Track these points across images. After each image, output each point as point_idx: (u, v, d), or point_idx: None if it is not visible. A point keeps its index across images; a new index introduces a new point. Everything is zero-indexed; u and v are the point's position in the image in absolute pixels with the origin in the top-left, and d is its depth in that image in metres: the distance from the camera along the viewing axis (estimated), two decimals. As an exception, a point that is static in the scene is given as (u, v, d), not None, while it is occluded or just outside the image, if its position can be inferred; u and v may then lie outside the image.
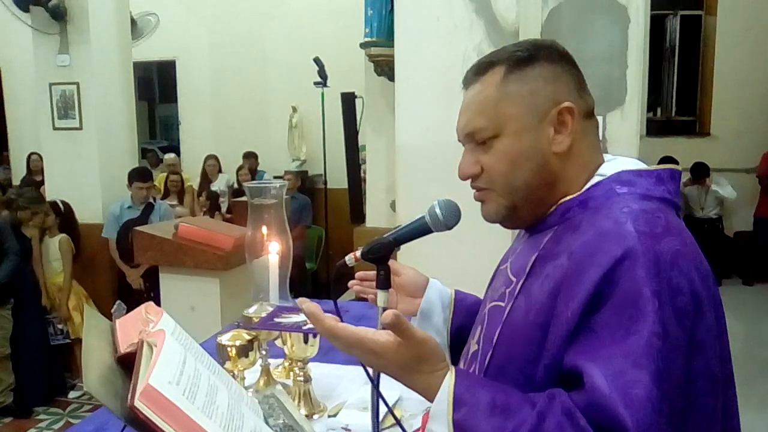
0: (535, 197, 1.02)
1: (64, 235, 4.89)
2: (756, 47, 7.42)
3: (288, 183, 2.64)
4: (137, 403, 0.74)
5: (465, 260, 2.54)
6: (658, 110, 8.49)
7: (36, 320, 4.76)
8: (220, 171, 7.62)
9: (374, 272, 1.09)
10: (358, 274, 1.34)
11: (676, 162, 6.87)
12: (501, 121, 1.00)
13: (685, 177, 7.13)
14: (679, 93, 8.30)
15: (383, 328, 0.87)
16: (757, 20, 7.39)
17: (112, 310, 1.08)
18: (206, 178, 7.51)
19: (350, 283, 1.35)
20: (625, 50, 3.06)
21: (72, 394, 4.91)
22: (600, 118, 2.89)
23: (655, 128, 8.12)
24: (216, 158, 7.57)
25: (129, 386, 0.79)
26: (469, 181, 1.06)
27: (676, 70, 8.23)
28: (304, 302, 0.93)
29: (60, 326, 4.88)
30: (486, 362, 1.01)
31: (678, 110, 8.39)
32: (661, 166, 1.01)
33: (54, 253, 4.87)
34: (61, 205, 4.95)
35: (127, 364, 0.87)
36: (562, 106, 0.99)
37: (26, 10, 5.01)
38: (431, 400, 0.88)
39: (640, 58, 3.08)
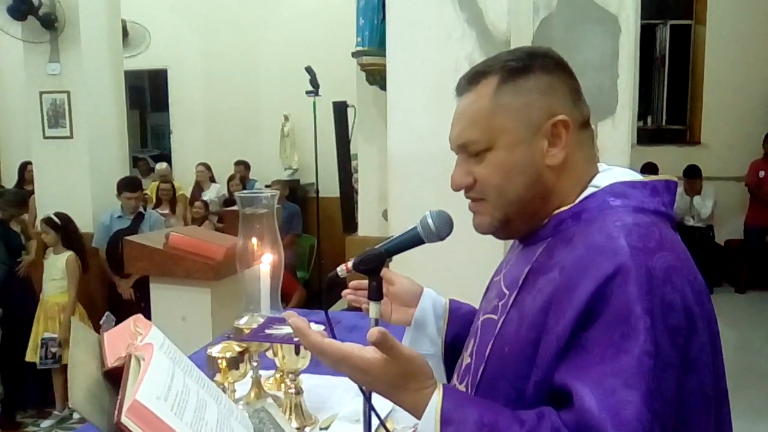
0: (528, 210, 1.01)
1: (71, 253, 4.57)
2: (745, 56, 7.47)
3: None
4: (124, 420, 0.73)
5: (457, 270, 2.53)
6: (649, 119, 8.53)
7: (27, 331, 4.63)
8: (212, 180, 7.60)
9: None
10: (353, 283, 1.33)
11: (656, 168, 6.91)
12: (494, 134, 0.99)
13: (680, 187, 7.15)
14: (669, 102, 8.35)
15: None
16: (746, 29, 7.45)
17: (101, 322, 1.07)
18: (198, 186, 7.51)
19: (344, 292, 1.34)
20: (616, 59, 3.07)
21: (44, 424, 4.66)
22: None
23: (645, 137, 8.15)
24: (205, 165, 7.57)
25: (116, 402, 0.77)
26: (461, 191, 1.05)
27: (666, 79, 8.27)
28: (291, 316, 0.92)
29: (53, 350, 4.51)
30: (478, 376, 1.00)
31: (668, 119, 8.43)
32: (657, 177, 1.00)
33: (58, 271, 4.55)
34: (57, 219, 4.61)
35: (115, 378, 0.86)
36: (556, 119, 0.97)
37: (23, 18, 4.98)
38: (419, 418, 0.87)
39: (631, 67, 3.10)
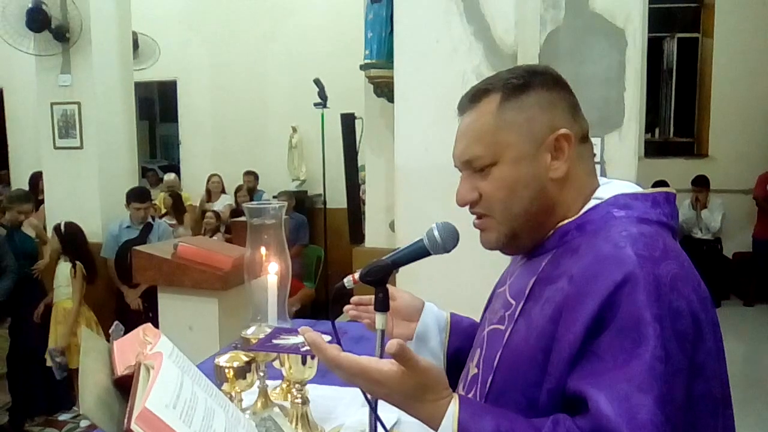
0: (533, 223, 1.03)
1: (77, 263, 4.64)
2: (752, 69, 7.47)
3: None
4: (134, 427, 0.74)
5: (463, 282, 2.54)
6: (656, 131, 8.53)
7: (36, 339, 4.66)
8: (223, 191, 7.65)
9: (369, 296, 1.09)
10: (353, 298, 1.34)
11: (667, 185, 6.90)
12: (498, 149, 1.01)
13: (687, 199, 7.16)
14: (676, 114, 8.35)
15: (382, 354, 0.87)
16: (753, 43, 7.45)
17: (110, 331, 1.08)
18: (208, 197, 7.56)
19: (346, 307, 1.35)
20: (623, 72, 3.07)
21: (63, 416, 4.76)
22: (598, 140, 2.89)
23: (653, 149, 8.15)
24: (219, 176, 7.64)
25: (126, 409, 0.78)
26: (467, 206, 1.07)
27: (673, 92, 8.28)
28: (306, 331, 0.93)
29: (58, 360, 4.55)
30: (487, 386, 1.01)
31: (676, 131, 8.42)
32: (657, 190, 1.02)
33: (64, 278, 4.65)
34: (63, 229, 4.69)
35: (125, 386, 0.87)
36: (558, 133, 1.00)
37: (39, 30, 5.04)
38: (435, 429, 0.88)
39: (638, 81, 3.10)
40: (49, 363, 4.61)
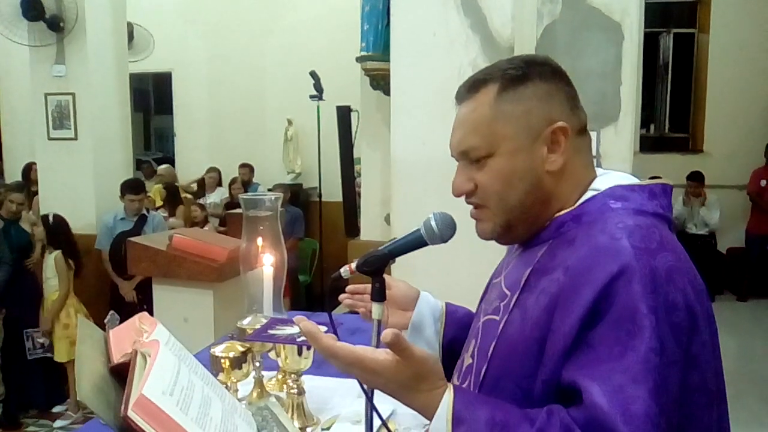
0: (529, 215, 1.02)
1: (58, 252, 4.65)
2: (748, 65, 7.49)
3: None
4: (130, 413, 0.74)
5: (459, 273, 2.54)
6: (652, 127, 8.54)
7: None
8: (219, 184, 7.64)
9: (365, 285, 1.09)
10: (349, 287, 1.34)
11: (662, 180, 6.91)
12: (495, 141, 1.00)
13: (681, 194, 7.19)
14: (672, 110, 8.36)
15: (378, 343, 0.87)
16: (749, 38, 7.47)
17: (105, 321, 1.08)
18: (201, 189, 7.55)
19: (341, 296, 1.35)
20: (619, 67, 3.08)
21: (56, 409, 4.80)
22: (594, 134, 2.89)
23: (648, 144, 8.16)
24: (218, 171, 7.62)
25: (122, 396, 0.78)
26: (463, 196, 1.07)
27: (669, 87, 8.29)
28: (301, 320, 0.92)
29: (40, 340, 4.62)
30: (481, 376, 1.01)
31: (671, 127, 8.44)
32: (653, 181, 1.02)
33: (50, 270, 4.67)
34: (51, 219, 4.70)
35: (121, 374, 0.87)
36: (555, 126, 0.99)
37: (35, 20, 5.02)
38: (430, 419, 0.88)
39: (634, 75, 3.11)
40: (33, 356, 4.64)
